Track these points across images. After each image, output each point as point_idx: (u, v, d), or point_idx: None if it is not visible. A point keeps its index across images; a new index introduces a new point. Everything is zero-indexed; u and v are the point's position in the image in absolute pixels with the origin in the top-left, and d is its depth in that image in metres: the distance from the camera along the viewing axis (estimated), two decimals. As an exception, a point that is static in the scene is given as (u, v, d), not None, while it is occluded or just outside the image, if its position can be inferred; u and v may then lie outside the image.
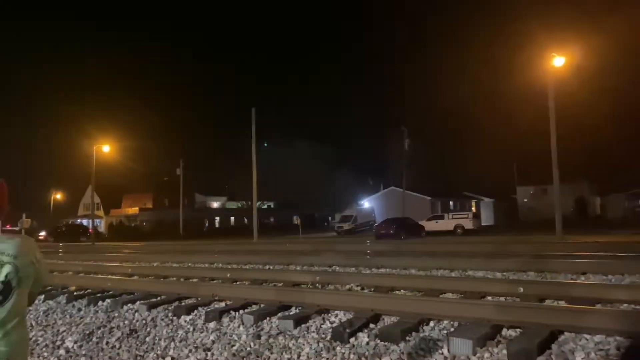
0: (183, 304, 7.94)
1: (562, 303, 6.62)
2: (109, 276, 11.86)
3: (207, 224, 66.79)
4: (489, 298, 7.26)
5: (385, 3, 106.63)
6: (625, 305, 6.35)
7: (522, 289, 7.16)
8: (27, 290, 2.02)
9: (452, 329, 5.50)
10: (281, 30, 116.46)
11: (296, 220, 51.90)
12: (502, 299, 7.14)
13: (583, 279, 8.96)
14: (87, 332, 6.63)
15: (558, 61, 23.93)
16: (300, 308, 7.01)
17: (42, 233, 50.27)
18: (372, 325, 5.89)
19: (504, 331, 5.27)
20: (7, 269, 1.92)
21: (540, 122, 27.33)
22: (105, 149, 43.45)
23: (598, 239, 19.93)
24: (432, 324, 5.75)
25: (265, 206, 69.71)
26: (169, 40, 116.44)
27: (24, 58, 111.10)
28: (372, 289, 8.45)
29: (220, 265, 14.91)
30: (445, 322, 5.74)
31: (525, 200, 58.07)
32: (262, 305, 7.34)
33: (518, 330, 5.22)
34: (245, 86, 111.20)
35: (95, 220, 49.84)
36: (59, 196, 74.22)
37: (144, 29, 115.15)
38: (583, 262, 10.24)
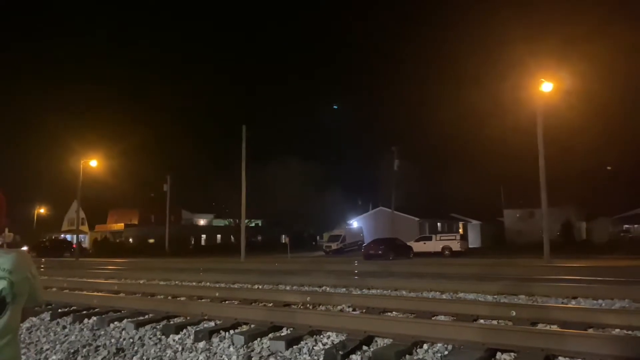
0: (172, 322, 7.79)
1: (554, 327, 6.62)
2: (95, 293, 11.63)
3: (193, 242, 66.14)
4: (482, 321, 7.23)
5: (378, 24, 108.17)
6: (617, 330, 6.36)
7: (514, 313, 7.14)
8: (21, 307, 1.97)
9: (446, 352, 5.45)
10: (272, 48, 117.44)
11: (284, 239, 51.66)
12: (495, 322, 7.11)
13: (574, 303, 8.97)
14: (72, 350, 6.46)
15: (546, 86, 24.34)
16: (291, 329, 6.91)
17: (25, 248, 49.38)
18: (365, 347, 5.82)
19: (499, 355, 5.23)
20: (2, 284, 1.86)
21: (527, 145, 27.72)
22: (93, 163, 43.09)
23: (585, 263, 20.07)
24: (425, 346, 5.69)
25: (253, 224, 69.31)
26: (158, 54, 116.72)
27: (7, 71, 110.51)
28: (364, 310, 8.38)
29: (209, 283, 14.73)
30: (439, 345, 5.68)
31: (512, 223, 58.38)
32: (252, 326, 7.22)
33: (512, 354, 5.19)
34: (234, 103, 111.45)
35: (79, 235, 49.13)
36: (42, 210, 73.17)
37: (131, 43, 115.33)
38: (573, 287, 10.26)
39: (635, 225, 48.77)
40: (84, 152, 43.67)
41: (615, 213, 48.60)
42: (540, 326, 6.73)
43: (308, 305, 9.22)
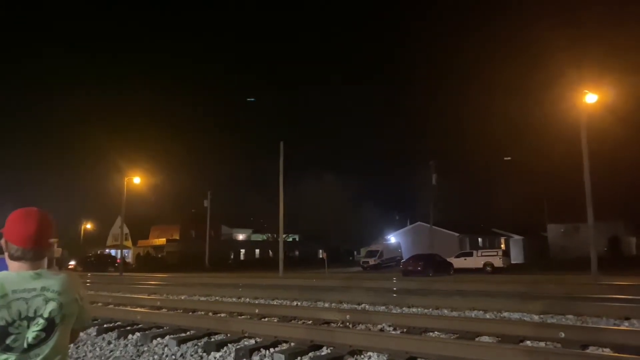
0: (212, 339, 7.85)
1: (607, 350, 6.32)
2: (138, 309, 11.87)
3: (232, 256, 66.84)
4: (528, 343, 6.99)
5: (413, 37, 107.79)
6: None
7: (563, 334, 6.87)
8: (69, 328, 2.01)
9: (492, 376, 5.28)
10: (309, 65, 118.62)
11: (321, 254, 51.58)
12: (543, 344, 6.86)
13: (627, 324, 8.56)
14: (118, 366, 6.58)
15: (590, 98, 23.60)
16: (331, 348, 6.85)
17: (72, 262, 51.01)
18: (407, 369, 5.70)
19: (548, 380, 5.03)
20: (51, 305, 1.90)
21: (572, 158, 26.87)
22: (136, 180, 44.28)
23: (636, 281, 19.15)
24: (470, 369, 5.53)
25: (290, 239, 69.54)
26: (197, 72, 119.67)
27: (55, 89, 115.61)
28: (405, 330, 8.23)
29: (248, 300, 14.82)
30: (485, 368, 5.51)
31: (556, 238, 56.54)
32: (292, 344, 7.20)
33: (563, 379, 4.98)
34: (273, 119, 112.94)
35: (123, 250, 50.42)
36: (89, 226, 75.62)
37: (171, 61, 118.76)
38: (625, 307, 9.79)
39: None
40: (128, 169, 44.99)
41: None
42: (591, 349, 6.44)
43: (348, 323, 9.14)
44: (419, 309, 11.38)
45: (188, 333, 8.46)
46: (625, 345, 6.30)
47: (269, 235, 65.49)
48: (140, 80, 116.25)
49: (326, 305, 12.80)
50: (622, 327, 7.97)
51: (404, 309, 11.60)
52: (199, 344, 7.58)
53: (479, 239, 55.00)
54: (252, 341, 7.63)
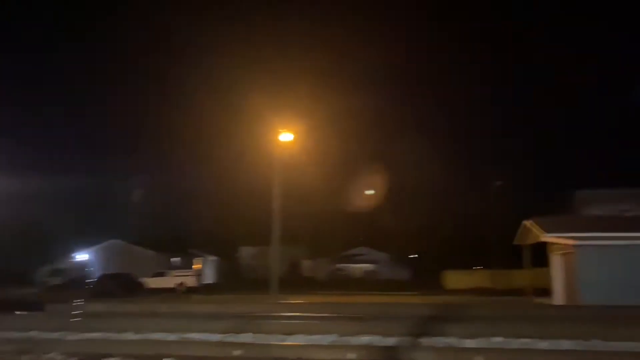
0: None
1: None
2: None
3: None
4: (206, 362, 7.29)
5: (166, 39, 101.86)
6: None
7: (239, 352, 7.42)
8: None
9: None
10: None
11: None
12: (220, 362, 7.26)
13: (291, 339, 9.75)
14: None
15: (285, 137, 26.78)
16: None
17: None
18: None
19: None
20: None
21: (266, 188, 29.74)
22: None
23: (305, 300, 22.27)
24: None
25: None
26: None
27: None
28: (81, 358, 7.58)
29: None
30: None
31: (248, 259, 61.13)
32: None
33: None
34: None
35: None
36: None
37: None
38: (292, 323, 11.25)
39: (347, 265, 56.71)
40: None
41: (334, 253, 56.15)
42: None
43: (10, 354, 7.90)
44: (102, 333, 10.64)
45: None
46: (289, 358, 7.17)
47: None
48: None
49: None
50: (287, 343, 9.03)
51: (84, 334, 10.66)
52: None
53: (176, 259, 55.24)
54: None
